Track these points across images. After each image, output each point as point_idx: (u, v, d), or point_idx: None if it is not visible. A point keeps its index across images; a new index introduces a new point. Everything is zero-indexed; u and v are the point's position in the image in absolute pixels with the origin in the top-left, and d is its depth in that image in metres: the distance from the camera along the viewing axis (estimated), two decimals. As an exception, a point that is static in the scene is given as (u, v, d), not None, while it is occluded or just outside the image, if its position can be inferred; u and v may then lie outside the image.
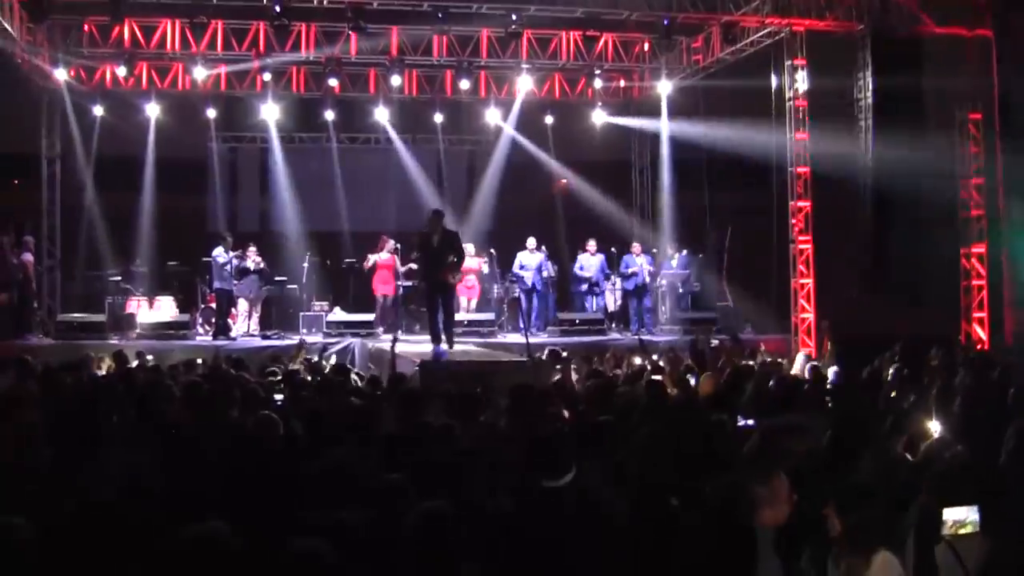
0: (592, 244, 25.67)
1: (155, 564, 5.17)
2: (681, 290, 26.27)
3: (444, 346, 17.79)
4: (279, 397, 12.02)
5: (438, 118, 28.26)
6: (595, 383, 12.75)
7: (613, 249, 25.63)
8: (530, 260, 25.08)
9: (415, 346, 19.34)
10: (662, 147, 28.39)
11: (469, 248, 24.49)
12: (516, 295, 25.45)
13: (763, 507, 6.03)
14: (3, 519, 5.37)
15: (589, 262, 25.67)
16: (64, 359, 17.01)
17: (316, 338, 22.93)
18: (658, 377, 13.76)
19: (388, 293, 24.26)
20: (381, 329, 23.35)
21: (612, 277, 25.74)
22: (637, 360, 18.61)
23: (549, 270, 25.51)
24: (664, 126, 27.83)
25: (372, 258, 24.39)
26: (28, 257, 23.50)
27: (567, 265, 26.64)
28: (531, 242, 25.28)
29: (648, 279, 25.32)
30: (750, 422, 10.39)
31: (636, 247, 25.82)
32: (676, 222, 27.85)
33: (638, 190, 30.30)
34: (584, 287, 25.87)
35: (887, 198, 23.58)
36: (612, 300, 26.11)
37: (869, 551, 5.71)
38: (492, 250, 25.89)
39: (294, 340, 22.28)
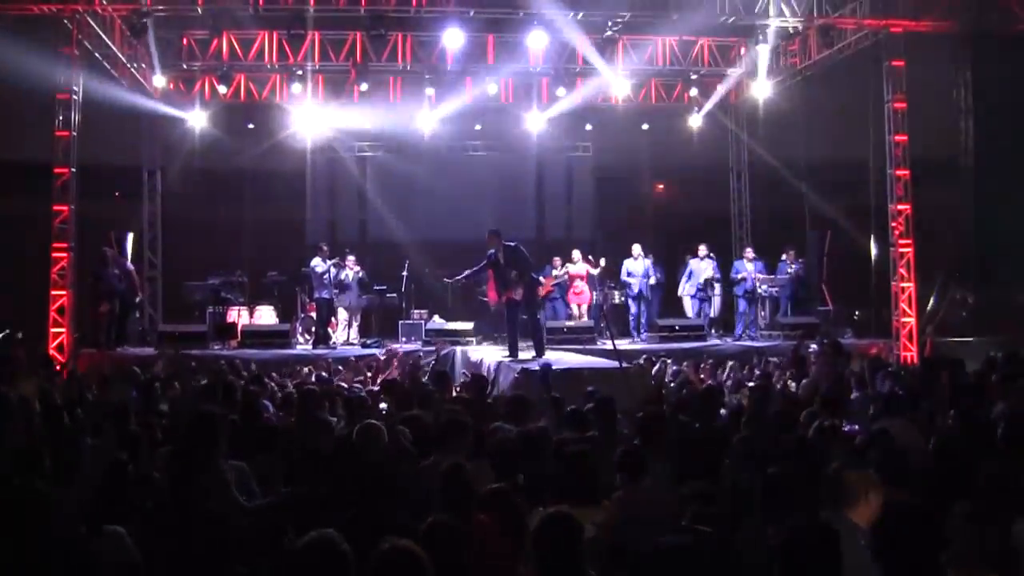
0: (702, 249, 25.53)
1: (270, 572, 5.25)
2: (785, 295, 25.86)
3: (531, 354, 17.74)
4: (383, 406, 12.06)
5: (535, 125, 28.09)
6: (702, 390, 12.72)
7: (712, 254, 25.43)
8: (636, 267, 25.01)
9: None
10: (759, 151, 28.20)
11: (575, 254, 24.59)
12: (617, 301, 25.41)
13: (858, 501, 5.96)
14: (110, 529, 5.44)
15: (698, 267, 25.54)
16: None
17: (414, 346, 22.98)
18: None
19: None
20: (480, 337, 23.34)
21: (714, 283, 25.47)
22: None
23: (656, 276, 25.37)
24: (761, 129, 27.60)
25: (566, 267, 24.72)
26: (130, 266, 23.72)
27: (676, 271, 26.50)
28: (636, 249, 25.19)
29: (758, 284, 25.07)
30: (855, 427, 10.30)
31: (748, 252, 25.64)
32: (775, 227, 27.62)
33: (736, 195, 29.98)
34: (693, 292, 25.73)
35: (989, 198, 23.23)
36: (713, 306, 25.84)
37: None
38: (591, 256, 25.70)
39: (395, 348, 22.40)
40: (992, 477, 6.79)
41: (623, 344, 22.33)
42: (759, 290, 25.11)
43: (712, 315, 25.76)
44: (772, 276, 25.35)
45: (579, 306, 25.12)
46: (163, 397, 12.91)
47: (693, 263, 25.65)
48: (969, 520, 5.78)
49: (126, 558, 5.39)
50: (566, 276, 24.76)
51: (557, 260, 25.07)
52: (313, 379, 16.68)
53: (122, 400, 11.39)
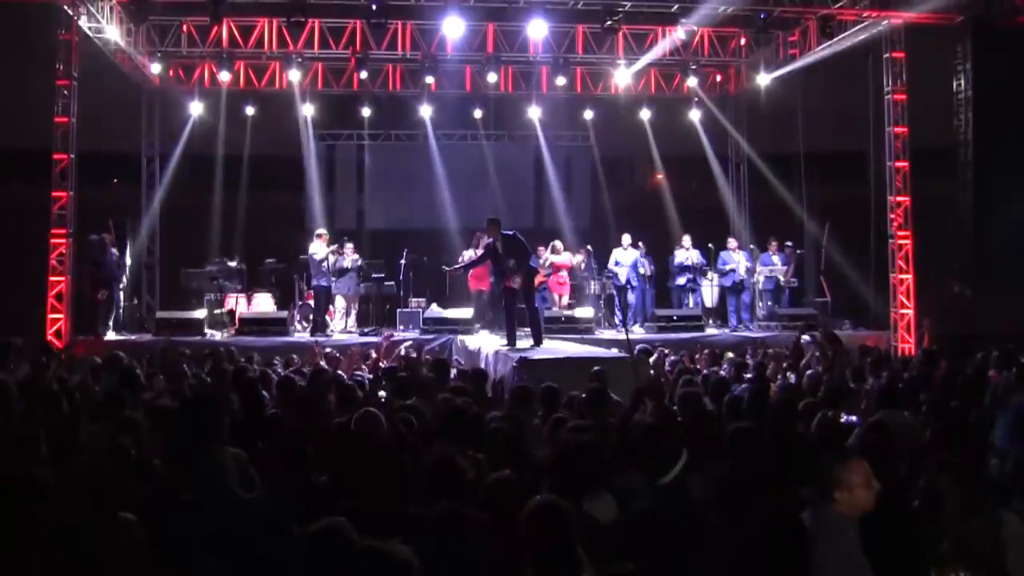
0: (687, 239, 25.50)
1: (279, 558, 5.24)
2: (779, 286, 25.79)
3: (529, 343, 17.67)
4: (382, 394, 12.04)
5: (534, 114, 28.08)
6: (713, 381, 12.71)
7: (711, 245, 25.36)
8: (625, 257, 24.96)
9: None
10: (758, 142, 28.16)
11: (558, 245, 24.52)
12: (612, 291, 25.34)
13: (842, 491, 5.92)
14: (121, 516, 5.43)
15: (682, 257, 25.51)
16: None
17: (412, 334, 22.97)
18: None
19: (484, 289, 24.03)
20: (477, 325, 23.29)
21: (710, 273, 25.44)
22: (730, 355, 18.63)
23: (645, 267, 25.30)
24: (760, 120, 27.57)
25: (548, 257, 24.57)
26: (115, 252, 23.64)
27: (666, 261, 26.43)
28: (626, 239, 25.17)
29: (745, 275, 25.02)
30: (853, 418, 10.30)
31: (732, 243, 25.62)
32: (773, 217, 27.57)
33: (735, 185, 29.93)
34: (680, 283, 25.67)
35: (988, 191, 23.22)
36: (709, 296, 25.80)
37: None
38: (588, 246, 25.71)
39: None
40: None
41: (612, 334, 22.39)
42: (754, 279, 25.11)
43: (709, 305, 25.73)
44: (771, 266, 25.30)
45: (560, 295, 25.10)
46: (148, 386, 12.80)
47: (678, 253, 25.61)
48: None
49: (132, 547, 5.37)
50: (550, 266, 24.66)
51: (542, 250, 24.96)
52: (312, 367, 16.65)
53: (114, 387, 11.36)
